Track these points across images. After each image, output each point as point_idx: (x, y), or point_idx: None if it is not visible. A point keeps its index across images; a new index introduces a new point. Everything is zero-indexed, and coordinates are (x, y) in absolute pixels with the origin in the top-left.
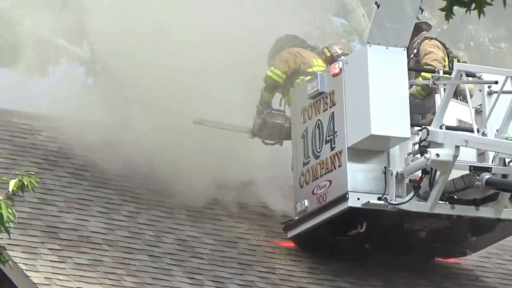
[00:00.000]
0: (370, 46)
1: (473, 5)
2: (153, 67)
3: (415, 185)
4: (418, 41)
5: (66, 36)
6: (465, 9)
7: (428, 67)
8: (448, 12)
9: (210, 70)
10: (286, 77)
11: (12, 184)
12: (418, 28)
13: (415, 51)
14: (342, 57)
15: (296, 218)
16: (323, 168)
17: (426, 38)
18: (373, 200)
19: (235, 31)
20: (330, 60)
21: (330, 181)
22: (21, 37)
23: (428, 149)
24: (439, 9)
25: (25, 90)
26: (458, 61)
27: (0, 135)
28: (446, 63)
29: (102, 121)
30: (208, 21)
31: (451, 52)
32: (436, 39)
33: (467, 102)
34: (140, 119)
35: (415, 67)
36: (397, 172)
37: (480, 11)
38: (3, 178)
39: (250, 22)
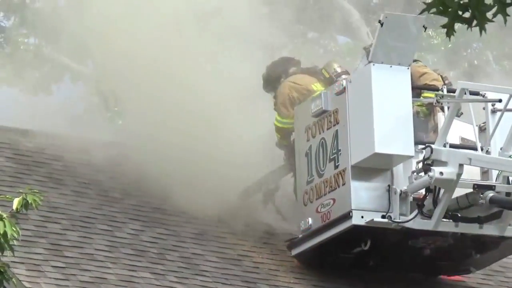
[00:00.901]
0: (373, 64)
1: (475, 22)
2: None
3: (419, 203)
4: None
5: (70, 54)
6: (466, 25)
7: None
8: (449, 29)
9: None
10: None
11: (16, 202)
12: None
13: None
14: (344, 76)
15: (300, 236)
16: (327, 187)
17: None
18: (377, 218)
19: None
20: (330, 81)
21: (334, 199)
22: (25, 55)
23: (432, 167)
24: (441, 26)
25: (29, 108)
26: (444, 80)
27: (5, 153)
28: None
29: (107, 139)
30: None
31: (437, 69)
32: (420, 61)
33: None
34: (144, 138)
35: (419, 86)
36: (401, 190)
37: (482, 28)
38: (7, 196)
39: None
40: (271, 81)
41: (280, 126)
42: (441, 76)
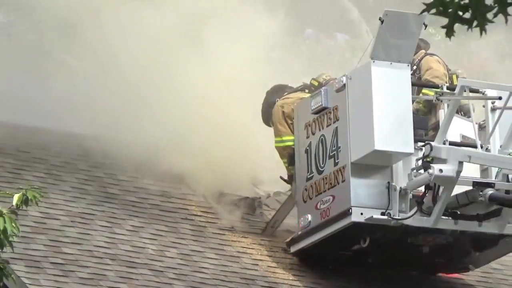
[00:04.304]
0: (373, 61)
1: (475, 23)
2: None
3: (418, 201)
4: (418, 58)
5: (70, 49)
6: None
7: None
8: (449, 30)
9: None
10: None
11: (16, 198)
12: (416, 46)
13: (414, 67)
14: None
15: (299, 233)
16: (326, 183)
17: (426, 54)
18: (377, 215)
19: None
20: (319, 88)
21: (334, 196)
22: (24, 50)
23: (431, 164)
24: (441, 26)
25: (29, 103)
26: (457, 77)
27: (5, 149)
28: (447, 79)
29: (106, 135)
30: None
31: (450, 70)
32: (436, 55)
33: (469, 117)
34: (143, 134)
35: (418, 83)
36: (401, 188)
37: (482, 29)
38: (7, 192)
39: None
40: (268, 111)
41: (281, 145)
42: (455, 75)
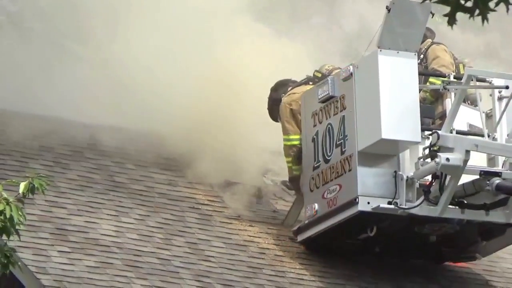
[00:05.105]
0: (380, 50)
1: (477, 11)
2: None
3: (425, 190)
4: (424, 47)
5: (76, 37)
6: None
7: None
8: (451, 18)
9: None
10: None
11: (22, 187)
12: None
13: (421, 56)
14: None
15: (306, 221)
16: (333, 172)
17: (433, 43)
18: (383, 204)
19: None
20: (323, 79)
21: (340, 185)
22: (31, 38)
23: (438, 153)
24: (443, 15)
25: (35, 92)
26: (464, 66)
27: (12, 138)
28: (453, 68)
29: (113, 124)
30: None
31: (456, 59)
32: (443, 44)
33: (476, 106)
34: (150, 123)
35: (425, 72)
36: (407, 177)
37: (484, 18)
38: (13, 181)
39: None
40: (274, 108)
41: (288, 144)
42: (462, 64)
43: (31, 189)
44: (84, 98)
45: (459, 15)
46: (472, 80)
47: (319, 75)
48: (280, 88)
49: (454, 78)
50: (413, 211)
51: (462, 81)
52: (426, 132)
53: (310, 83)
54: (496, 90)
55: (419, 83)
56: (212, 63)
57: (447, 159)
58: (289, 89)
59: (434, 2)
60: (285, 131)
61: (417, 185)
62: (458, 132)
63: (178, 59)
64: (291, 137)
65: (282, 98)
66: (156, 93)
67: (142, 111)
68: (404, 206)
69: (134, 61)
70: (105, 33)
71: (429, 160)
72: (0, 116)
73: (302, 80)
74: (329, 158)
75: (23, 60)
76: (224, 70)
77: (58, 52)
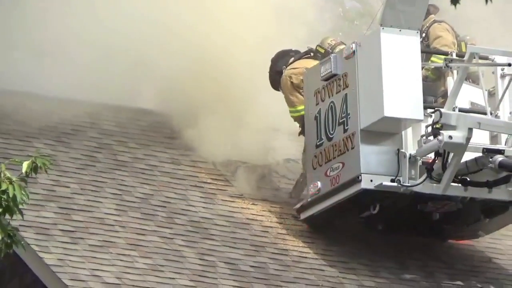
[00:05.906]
0: (383, 28)
1: None
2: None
3: (428, 167)
4: (427, 25)
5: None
6: None
7: None
8: None
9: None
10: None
11: (25, 166)
12: (426, 12)
13: (423, 34)
14: (340, 46)
15: (309, 199)
16: (336, 150)
17: (435, 21)
18: (386, 182)
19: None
20: (326, 56)
21: (343, 163)
22: (33, 19)
23: (441, 131)
24: None
25: (38, 72)
26: (466, 44)
27: (14, 117)
28: (455, 47)
29: (116, 103)
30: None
31: (459, 36)
32: (445, 22)
33: (478, 84)
34: (154, 102)
35: (427, 50)
36: (410, 154)
37: None
38: (16, 160)
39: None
40: (276, 79)
41: (296, 115)
42: (464, 42)
43: (34, 168)
44: (87, 77)
45: None
46: (474, 58)
47: (322, 50)
48: (280, 59)
49: (456, 56)
50: (416, 188)
51: (464, 59)
52: (429, 110)
53: (311, 54)
54: (499, 68)
55: (421, 61)
56: (214, 42)
57: (450, 137)
58: (290, 60)
59: None
60: (290, 103)
61: (420, 163)
62: (460, 110)
63: (179, 36)
64: (299, 108)
65: (283, 70)
66: (160, 72)
67: (145, 90)
68: (407, 184)
69: (135, 40)
70: (101, 9)
71: (431, 138)
72: (1, 96)
73: (304, 52)
74: (332, 136)
75: (23, 39)
76: (225, 49)
77: (57, 31)
